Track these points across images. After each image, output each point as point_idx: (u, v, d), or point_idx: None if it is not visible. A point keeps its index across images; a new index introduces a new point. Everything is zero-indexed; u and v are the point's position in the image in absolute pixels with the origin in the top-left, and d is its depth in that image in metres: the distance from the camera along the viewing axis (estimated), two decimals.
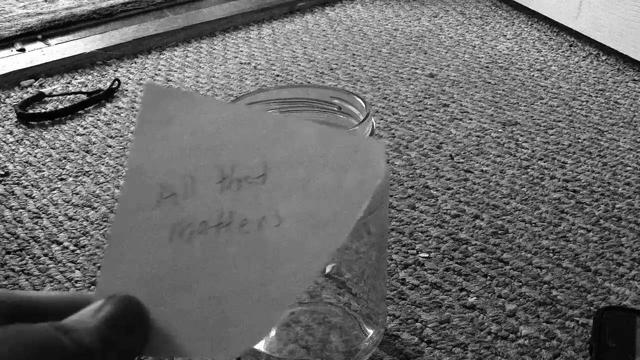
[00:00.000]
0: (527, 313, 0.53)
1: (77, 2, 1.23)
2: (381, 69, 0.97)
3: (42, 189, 0.72)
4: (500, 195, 0.68)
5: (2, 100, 0.92)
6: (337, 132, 0.25)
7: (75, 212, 0.68)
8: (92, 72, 1.00)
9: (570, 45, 1.03)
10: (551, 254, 0.59)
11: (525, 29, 1.10)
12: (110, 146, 0.80)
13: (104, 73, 1.00)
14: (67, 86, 0.96)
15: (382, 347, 0.50)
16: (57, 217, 0.67)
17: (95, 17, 1.17)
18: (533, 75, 0.94)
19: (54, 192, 0.71)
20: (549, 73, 0.94)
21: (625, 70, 0.94)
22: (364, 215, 0.44)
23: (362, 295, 0.50)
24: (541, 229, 0.62)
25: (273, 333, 0.49)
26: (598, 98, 0.87)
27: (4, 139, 0.83)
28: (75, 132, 0.84)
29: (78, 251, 0.62)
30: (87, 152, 0.79)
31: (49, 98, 0.92)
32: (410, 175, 0.71)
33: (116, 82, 0.93)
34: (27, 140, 0.82)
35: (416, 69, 0.97)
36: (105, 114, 0.88)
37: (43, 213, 0.68)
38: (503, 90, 0.89)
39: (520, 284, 0.56)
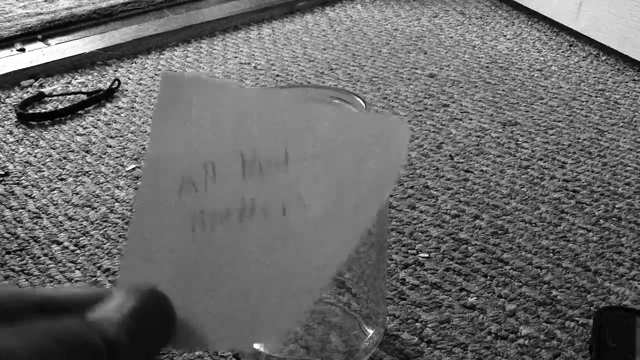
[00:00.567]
0: (527, 313, 0.53)
1: (77, 2, 1.23)
2: (381, 69, 0.97)
3: (42, 189, 0.72)
4: (500, 195, 0.68)
5: (2, 100, 0.92)
6: (361, 114, 0.25)
7: (75, 212, 0.68)
8: (92, 72, 1.00)
9: (570, 45, 1.03)
10: (551, 254, 0.59)
11: (525, 29, 1.10)
12: (110, 146, 0.80)
13: (104, 73, 1.00)
14: (67, 86, 0.96)
15: (382, 347, 0.50)
16: (57, 217, 0.67)
17: (95, 17, 1.17)
18: (533, 75, 0.94)
19: (54, 192, 0.71)
20: (549, 73, 0.94)
21: (625, 70, 0.94)
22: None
23: (362, 295, 0.50)
24: (541, 229, 0.62)
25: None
26: (598, 98, 0.87)
27: (4, 139, 0.83)
28: (75, 132, 0.84)
29: (78, 251, 0.62)
30: (87, 152, 0.79)
31: (49, 98, 0.92)
32: (410, 175, 0.71)
33: (116, 82, 0.93)
34: (27, 140, 0.82)
35: (416, 69, 0.97)
36: (105, 114, 0.88)
37: (43, 213, 0.68)
38: (503, 90, 0.90)
39: (520, 284, 0.56)
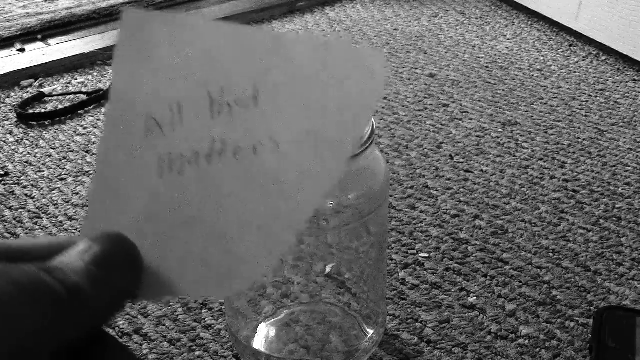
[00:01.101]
0: (527, 313, 0.53)
1: (77, 2, 1.23)
2: None
3: (42, 189, 0.72)
4: (500, 195, 0.68)
5: (2, 100, 0.92)
6: (333, 42, 0.23)
7: (75, 212, 0.68)
8: (92, 72, 1.00)
9: (570, 45, 1.03)
10: (551, 254, 0.59)
11: (525, 29, 1.10)
12: None
13: (104, 73, 1.00)
14: (67, 86, 0.96)
15: (382, 347, 0.50)
16: (57, 217, 0.67)
17: (95, 17, 1.17)
18: (533, 75, 0.94)
19: (54, 192, 0.71)
20: (548, 73, 0.94)
21: (625, 70, 0.94)
22: (364, 215, 0.44)
23: (362, 295, 0.50)
24: (541, 229, 0.62)
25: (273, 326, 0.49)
26: (598, 98, 0.87)
27: (4, 139, 0.83)
28: (75, 132, 0.84)
29: None
30: (87, 152, 0.79)
31: (49, 98, 0.92)
32: (410, 175, 0.71)
33: None
34: (27, 140, 0.82)
35: (416, 69, 0.97)
36: (105, 114, 0.88)
37: (43, 213, 0.68)
38: (503, 90, 0.90)
39: (520, 284, 0.56)
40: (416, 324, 0.52)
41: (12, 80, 0.97)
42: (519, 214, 0.65)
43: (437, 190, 0.69)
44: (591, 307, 0.53)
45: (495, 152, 0.75)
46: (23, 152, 0.79)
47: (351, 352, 0.48)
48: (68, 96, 0.93)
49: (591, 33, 1.01)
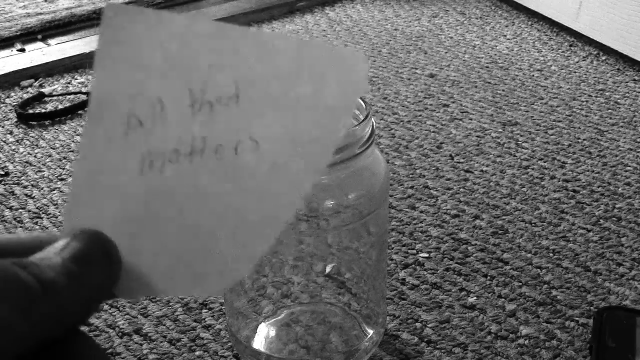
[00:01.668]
0: (527, 313, 0.53)
1: (77, 2, 1.23)
2: (381, 69, 0.97)
3: (42, 189, 0.72)
4: (500, 195, 0.68)
5: (2, 100, 0.92)
6: (315, 42, 0.23)
7: None
8: (92, 72, 1.00)
9: (570, 45, 1.03)
10: (551, 254, 0.59)
11: (525, 29, 1.10)
12: None
13: None
14: (67, 86, 0.96)
15: (382, 347, 0.50)
16: (57, 217, 0.67)
17: (95, 17, 1.17)
18: (533, 75, 0.94)
19: (54, 192, 0.71)
20: (549, 73, 0.94)
21: (625, 70, 0.94)
22: (364, 215, 0.44)
23: (362, 295, 0.50)
24: (541, 229, 0.62)
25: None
26: (598, 98, 0.87)
27: (4, 139, 0.83)
28: (75, 132, 0.84)
29: None
30: None
31: (49, 98, 0.92)
32: (410, 175, 0.71)
33: None
34: (27, 140, 0.82)
35: (416, 69, 0.97)
36: None
37: (43, 213, 0.68)
38: (503, 90, 0.90)
39: (520, 284, 0.56)
40: (416, 324, 0.52)
41: (12, 80, 0.97)
42: (519, 214, 0.65)
43: (437, 190, 0.69)
44: (591, 307, 0.53)
45: (496, 152, 0.75)
46: (23, 152, 0.80)
47: (351, 352, 0.48)
48: (68, 96, 0.93)
49: (591, 33, 1.01)
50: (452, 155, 0.75)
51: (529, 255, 0.59)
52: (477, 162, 0.74)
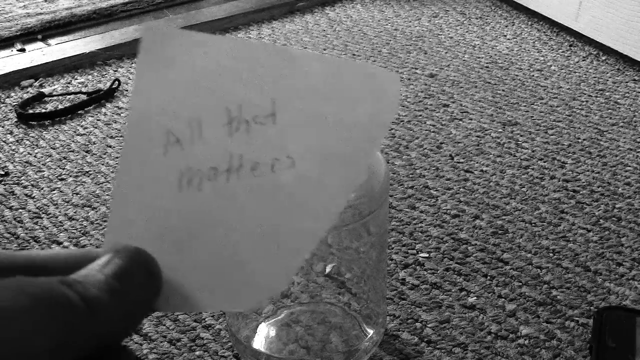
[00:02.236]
0: (527, 313, 0.53)
1: (77, 2, 1.23)
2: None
3: (42, 189, 0.72)
4: (500, 195, 0.68)
5: (2, 100, 0.92)
6: (350, 62, 0.24)
7: (75, 212, 0.68)
8: (92, 72, 1.00)
9: (570, 46, 1.03)
10: (551, 254, 0.59)
11: (525, 29, 1.10)
12: (110, 146, 0.80)
13: (104, 73, 1.00)
14: (67, 86, 0.96)
15: (382, 347, 0.50)
16: (57, 217, 0.67)
17: (95, 17, 1.17)
18: (533, 75, 0.94)
19: (54, 192, 0.71)
20: (549, 73, 0.94)
21: (625, 70, 0.94)
22: (364, 215, 0.44)
23: (362, 295, 0.50)
24: (541, 229, 0.62)
25: (272, 333, 0.49)
26: (598, 98, 0.87)
27: (4, 139, 0.83)
28: (75, 132, 0.84)
29: None
30: (87, 152, 0.79)
31: (49, 98, 0.92)
32: (410, 175, 0.71)
33: (116, 82, 0.93)
34: (27, 140, 0.82)
35: (416, 69, 0.97)
36: (105, 114, 0.88)
37: (43, 213, 0.68)
38: (503, 90, 0.90)
39: (520, 284, 0.56)
40: (416, 324, 0.52)
41: (13, 80, 0.97)
42: (519, 214, 0.65)
43: (437, 190, 0.69)
44: (591, 307, 0.53)
45: (496, 152, 0.75)
46: (23, 152, 0.80)
47: (351, 352, 0.48)
48: (68, 96, 0.93)
49: (591, 33, 1.01)
50: (452, 155, 0.75)
51: (529, 255, 0.59)
52: (477, 162, 0.74)
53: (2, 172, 0.75)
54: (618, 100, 0.86)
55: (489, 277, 0.57)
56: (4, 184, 0.73)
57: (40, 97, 0.92)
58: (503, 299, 0.54)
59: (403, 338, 0.51)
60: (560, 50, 1.01)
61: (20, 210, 0.68)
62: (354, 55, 1.03)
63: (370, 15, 1.19)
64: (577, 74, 0.94)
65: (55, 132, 0.84)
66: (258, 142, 0.23)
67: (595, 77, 0.93)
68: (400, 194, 0.68)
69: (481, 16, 1.16)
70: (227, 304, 0.24)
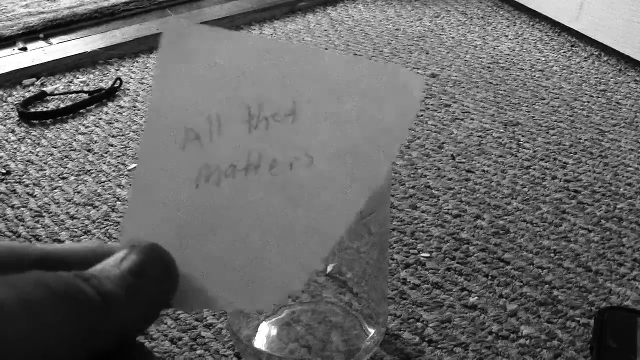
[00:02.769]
0: (528, 313, 0.53)
1: (78, 1, 1.23)
2: None
3: (43, 187, 0.72)
4: (502, 196, 0.68)
5: (4, 99, 0.92)
6: (373, 62, 0.24)
7: (76, 211, 0.68)
8: (93, 71, 1.01)
9: (572, 46, 1.03)
10: (552, 254, 0.59)
11: (527, 29, 1.10)
12: (111, 145, 0.80)
13: (106, 72, 1.00)
14: (69, 85, 0.96)
15: (383, 347, 0.50)
16: (58, 216, 0.67)
17: (97, 16, 1.17)
18: (534, 76, 0.94)
19: (56, 190, 0.71)
20: (550, 73, 0.94)
21: (626, 71, 0.94)
22: (365, 215, 0.44)
23: (363, 294, 0.50)
24: (542, 229, 0.62)
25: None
26: (599, 98, 0.87)
27: (5, 138, 0.83)
28: (76, 131, 0.84)
29: None
30: (88, 151, 0.79)
31: (51, 97, 0.93)
32: (412, 175, 0.71)
33: (118, 81, 0.93)
34: (29, 138, 0.82)
35: (418, 69, 0.97)
36: (106, 113, 0.88)
37: (45, 211, 0.68)
38: (504, 91, 0.90)
39: (522, 284, 0.56)
40: (417, 323, 0.52)
41: (14, 79, 0.97)
42: (521, 214, 0.65)
43: (438, 190, 0.69)
44: (592, 308, 0.53)
45: (497, 152, 0.75)
46: (25, 150, 0.80)
47: (352, 352, 0.48)
48: (70, 95, 0.93)
49: (592, 33, 1.01)
50: (453, 155, 0.75)
51: (530, 255, 0.59)
52: (478, 162, 0.74)
53: (4, 171, 0.75)
54: (619, 101, 0.86)
55: (490, 277, 0.57)
56: (6, 183, 0.73)
57: (42, 96, 0.92)
58: (504, 299, 0.54)
59: (404, 338, 0.51)
60: (562, 51, 1.01)
61: (22, 209, 0.69)
62: (355, 55, 1.03)
63: (372, 15, 1.19)
64: (578, 74, 0.94)
65: (57, 131, 0.84)
66: (277, 140, 0.23)
67: (596, 78, 0.93)
68: (402, 194, 0.68)
69: (483, 16, 1.16)
70: (244, 303, 0.24)
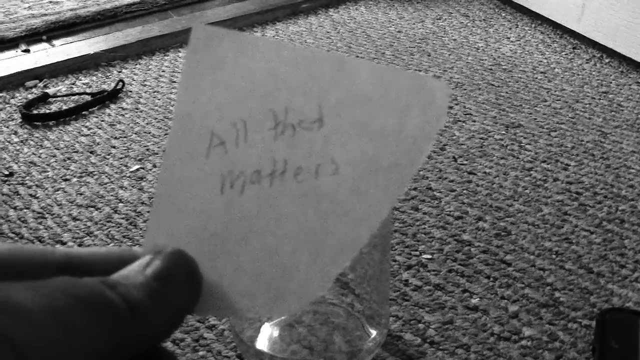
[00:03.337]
0: (529, 314, 0.53)
1: (81, 3, 1.24)
2: None
3: (46, 189, 0.72)
4: (504, 197, 0.68)
5: (6, 100, 0.93)
6: (400, 71, 0.24)
7: (79, 213, 0.68)
8: (96, 73, 1.01)
9: (574, 48, 1.03)
10: (554, 256, 0.59)
11: (529, 31, 1.10)
12: (114, 147, 0.80)
13: (108, 74, 1.00)
14: (72, 87, 0.96)
15: (385, 348, 0.50)
16: (61, 218, 0.67)
17: (100, 18, 1.18)
18: (536, 78, 0.94)
19: (58, 192, 0.72)
20: (552, 75, 0.94)
21: (628, 73, 0.94)
22: None
23: (365, 296, 0.50)
24: (544, 231, 0.62)
25: (278, 334, 0.49)
26: (601, 100, 0.87)
27: (8, 140, 0.83)
28: (79, 132, 0.84)
29: None
30: (91, 152, 0.79)
31: (54, 99, 0.93)
32: (414, 177, 0.72)
33: (120, 83, 0.94)
34: (32, 140, 0.82)
35: (420, 71, 0.97)
36: (109, 115, 0.88)
37: (47, 213, 0.68)
38: (506, 93, 0.90)
39: (523, 285, 0.56)
40: (419, 324, 0.52)
41: (17, 80, 0.98)
42: (522, 215, 0.65)
43: (440, 192, 0.69)
44: (594, 309, 0.53)
45: (499, 154, 0.76)
46: (27, 152, 0.80)
47: (354, 353, 0.48)
48: (72, 97, 0.93)
49: (594, 35, 1.01)
50: (455, 157, 0.75)
51: (532, 257, 0.59)
52: (480, 164, 0.74)
53: (7, 173, 0.76)
54: (621, 103, 0.86)
55: (491, 279, 0.57)
56: (9, 184, 0.73)
57: (44, 98, 0.92)
58: (506, 301, 0.54)
59: (406, 339, 0.51)
60: (564, 53, 1.01)
61: (25, 210, 0.69)
62: (357, 57, 1.03)
63: (374, 17, 1.19)
64: (580, 76, 0.94)
65: (60, 132, 0.84)
66: (303, 147, 0.23)
67: (598, 80, 0.93)
68: (404, 196, 0.68)
69: (485, 18, 1.16)
70: (267, 310, 0.24)
